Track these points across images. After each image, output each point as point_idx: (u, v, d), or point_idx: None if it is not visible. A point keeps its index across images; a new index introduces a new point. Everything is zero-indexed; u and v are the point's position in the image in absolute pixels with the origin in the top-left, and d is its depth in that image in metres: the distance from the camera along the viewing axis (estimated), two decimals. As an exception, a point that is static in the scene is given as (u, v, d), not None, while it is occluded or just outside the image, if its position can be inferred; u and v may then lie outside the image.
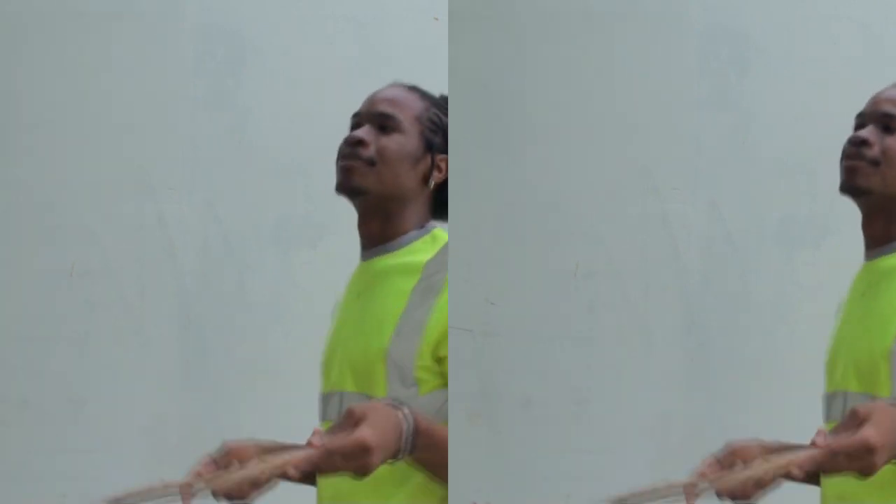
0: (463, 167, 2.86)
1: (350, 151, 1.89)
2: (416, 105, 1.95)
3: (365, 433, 1.64)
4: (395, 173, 1.89)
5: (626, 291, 2.94)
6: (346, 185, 1.89)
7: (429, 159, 1.92)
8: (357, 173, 1.89)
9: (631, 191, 2.93)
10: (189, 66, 2.96)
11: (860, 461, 1.63)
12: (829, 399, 1.85)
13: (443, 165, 1.95)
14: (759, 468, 1.66)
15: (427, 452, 1.74)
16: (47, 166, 2.91)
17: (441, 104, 1.99)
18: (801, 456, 1.66)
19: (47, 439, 2.89)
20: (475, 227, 2.93)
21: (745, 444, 1.74)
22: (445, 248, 1.91)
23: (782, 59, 2.91)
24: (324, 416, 1.89)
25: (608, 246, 2.93)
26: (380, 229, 1.91)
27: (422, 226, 1.94)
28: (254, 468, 1.63)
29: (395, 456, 1.70)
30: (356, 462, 1.65)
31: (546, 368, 2.92)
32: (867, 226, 1.90)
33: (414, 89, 1.98)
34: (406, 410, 1.71)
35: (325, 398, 1.90)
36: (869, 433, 1.63)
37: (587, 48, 2.95)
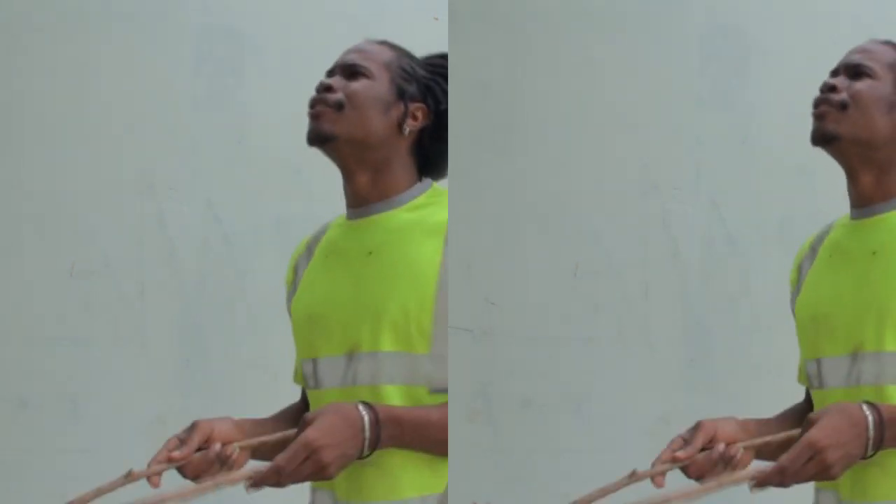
0: (463, 167, 2.87)
1: (318, 98, 1.86)
2: (385, 53, 1.90)
3: (308, 434, 1.68)
4: (364, 117, 1.83)
5: (626, 291, 2.94)
6: (315, 132, 1.84)
7: (402, 106, 1.86)
8: (325, 119, 1.84)
9: (631, 191, 2.94)
10: (189, 66, 2.96)
11: (813, 466, 1.68)
12: (853, 361, 1.81)
13: (419, 114, 1.87)
14: (725, 478, 1.74)
15: (404, 438, 1.74)
16: (47, 166, 2.91)
17: (414, 57, 1.93)
18: (753, 472, 1.72)
19: (47, 439, 2.89)
20: (475, 227, 2.93)
21: (720, 426, 1.78)
22: None
23: (782, 59, 2.91)
24: (343, 381, 1.81)
25: (608, 246, 2.94)
26: (371, 182, 1.85)
27: (417, 180, 1.88)
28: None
29: (359, 450, 1.71)
30: (310, 465, 1.68)
31: (546, 368, 2.93)
32: (855, 181, 1.86)
33: (385, 42, 1.93)
34: (363, 405, 1.72)
35: (340, 361, 1.81)
36: (813, 434, 1.67)
37: (587, 48, 2.95)
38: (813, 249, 1.95)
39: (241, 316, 2.94)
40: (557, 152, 2.94)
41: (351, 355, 1.80)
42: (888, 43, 1.90)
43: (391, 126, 1.86)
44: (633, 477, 1.77)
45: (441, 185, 1.92)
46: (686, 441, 1.77)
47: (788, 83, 2.90)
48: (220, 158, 2.96)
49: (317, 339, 1.85)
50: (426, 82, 1.89)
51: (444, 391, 1.79)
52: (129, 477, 1.75)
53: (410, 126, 1.86)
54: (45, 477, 2.88)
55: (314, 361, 1.85)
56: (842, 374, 1.81)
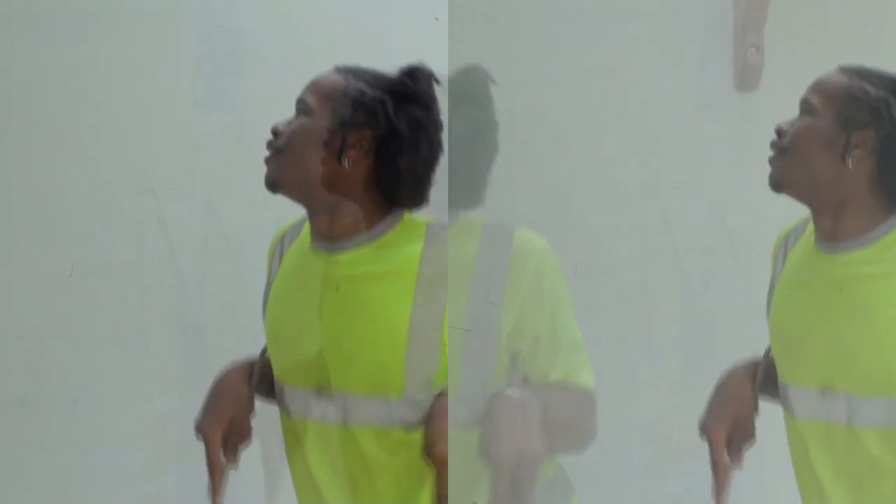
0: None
1: (267, 143, 1.80)
2: (335, 82, 1.78)
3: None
4: (299, 158, 1.76)
5: (626, 291, 2.94)
6: (265, 179, 1.79)
7: (340, 137, 1.73)
8: (270, 164, 1.79)
9: (631, 191, 2.94)
10: (189, 66, 2.96)
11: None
12: (821, 397, 1.78)
13: (364, 142, 1.73)
14: None
15: None
16: (47, 166, 2.91)
17: (379, 78, 1.78)
18: None
19: (47, 439, 2.89)
20: (475, 227, 2.93)
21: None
22: (434, 234, 1.76)
23: (781, 59, 2.91)
24: (311, 414, 1.79)
25: (608, 246, 2.93)
26: (330, 221, 1.77)
27: (386, 213, 1.77)
28: None
29: None
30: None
31: (546, 368, 2.92)
32: (816, 221, 1.81)
33: (350, 70, 1.79)
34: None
35: (307, 394, 1.78)
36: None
37: (587, 48, 2.95)
38: (785, 247, 1.90)
39: (241, 316, 2.94)
40: (557, 152, 2.94)
41: (319, 391, 1.77)
42: (844, 69, 1.82)
43: (330, 160, 1.75)
44: None
45: (419, 215, 1.82)
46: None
47: (789, 83, 2.90)
48: (220, 158, 2.96)
49: (282, 364, 1.83)
50: (372, 105, 1.75)
51: (419, 428, 1.76)
52: None
53: (352, 157, 1.74)
54: (45, 477, 2.88)
55: (281, 386, 1.83)
56: (809, 407, 1.79)
